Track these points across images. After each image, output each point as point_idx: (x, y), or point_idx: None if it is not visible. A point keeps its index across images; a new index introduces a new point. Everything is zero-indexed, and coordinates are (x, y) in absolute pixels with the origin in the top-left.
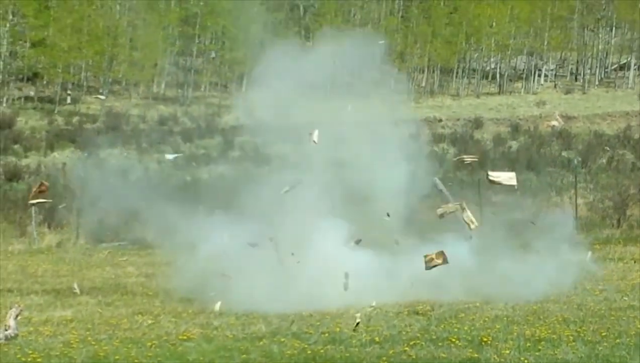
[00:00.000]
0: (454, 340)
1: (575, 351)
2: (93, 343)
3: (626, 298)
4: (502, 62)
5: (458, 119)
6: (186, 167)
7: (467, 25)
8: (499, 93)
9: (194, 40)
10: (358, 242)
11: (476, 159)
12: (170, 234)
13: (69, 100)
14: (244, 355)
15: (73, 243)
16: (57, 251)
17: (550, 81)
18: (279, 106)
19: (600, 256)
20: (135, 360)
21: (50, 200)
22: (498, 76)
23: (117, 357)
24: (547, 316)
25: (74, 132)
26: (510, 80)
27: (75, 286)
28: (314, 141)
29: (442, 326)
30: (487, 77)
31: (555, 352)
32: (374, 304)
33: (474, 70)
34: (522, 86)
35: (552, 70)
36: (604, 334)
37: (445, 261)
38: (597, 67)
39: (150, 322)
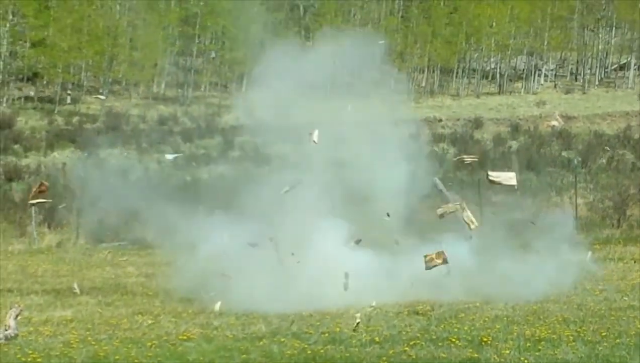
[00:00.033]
0: (454, 340)
1: (575, 351)
2: (93, 343)
3: (626, 298)
4: (502, 62)
5: (458, 119)
6: (186, 167)
7: (467, 25)
8: (499, 93)
9: (194, 40)
10: (358, 242)
11: (476, 159)
12: (170, 234)
13: (68, 100)
14: (244, 355)
15: (73, 243)
16: (57, 251)
17: (550, 81)
18: (279, 106)
19: (600, 256)
20: (135, 360)
21: (50, 200)
22: (498, 76)
23: (117, 357)
24: (547, 317)
25: (74, 132)
26: (510, 80)
27: (75, 286)
28: (314, 141)
29: (442, 326)
30: (487, 77)
31: (555, 352)
32: (374, 304)
33: (474, 70)
34: (522, 86)
35: (552, 70)
36: (604, 334)
37: (445, 261)
38: (597, 67)
39: (150, 322)
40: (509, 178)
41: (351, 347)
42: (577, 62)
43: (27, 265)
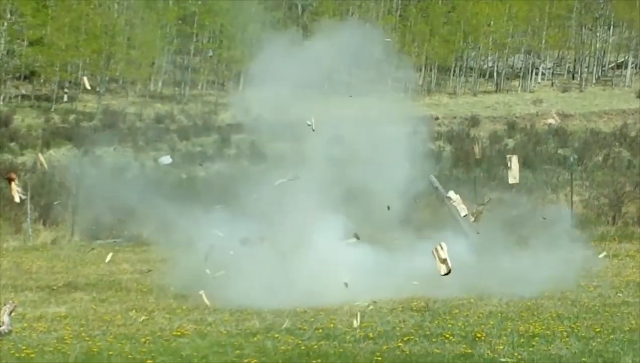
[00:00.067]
0: (447, 335)
1: (569, 347)
2: (87, 339)
3: (620, 295)
4: (499, 61)
5: (455, 117)
6: (182, 165)
7: (464, 24)
8: (496, 91)
9: (191, 38)
10: (356, 237)
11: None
12: (165, 231)
13: (65, 98)
14: (238, 351)
15: (68, 240)
16: (52, 248)
17: (547, 80)
18: (275, 104)
19: (595, 253)
20: (129, 356)
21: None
22: (495, 74)
23: (110, 353)
24: (541, 313)
25: (71, 130)
26: (508, 78)
27: None
28: (312, 128)
29: (436, 322)
30: (484, 76)
31: (549, 348)
32: (373, 301)
33: (471, 68)
34: (519, 84)
35: (549, 68)
36: (597, 330)
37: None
38: (594, 65)
39: (144, 318)
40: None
41: (345, 343)
42: (575, 60)
43: (21, 261)
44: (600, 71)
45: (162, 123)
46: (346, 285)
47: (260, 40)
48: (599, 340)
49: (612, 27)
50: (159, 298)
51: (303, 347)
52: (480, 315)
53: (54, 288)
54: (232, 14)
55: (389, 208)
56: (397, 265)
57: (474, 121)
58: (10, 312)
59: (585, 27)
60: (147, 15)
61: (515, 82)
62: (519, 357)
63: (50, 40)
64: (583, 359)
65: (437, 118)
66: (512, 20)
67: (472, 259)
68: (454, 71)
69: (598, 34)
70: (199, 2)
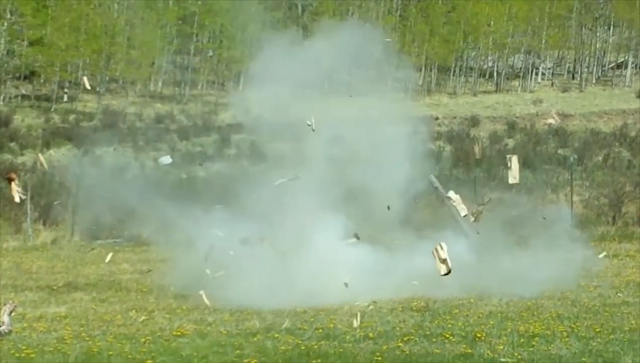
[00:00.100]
0: (447, 335)
1: (569, 347)
2: (87, 339)
3: (620, 295)
4: (499, 61)
5: (455, 117)
6: (182, 165)
7: (464, 24)
8: (496, 91)
9: (191, 38)
10: (356, 237)
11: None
12: (165, 231)
13: (65, 98)
14: (238, 351)
15: (68, 240)
16: (52, 248)
17: (547, 80)
18: (275, 104)
19: (595, 253)
20: (129, 356)
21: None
22: (495, 74)
23: (110, 353)
24: (541, 312)
25: (71, 130)
26: (508, 78)
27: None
28: (312, 128)
29: (436, 322)
30: (484, 76)
31: (549, 348)
32: (373, 301)
33: (471, 68)
34: (519, 84)
35: (549, 68)
36: (597, 330)
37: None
38: (594, 65)
39: (144, 318)
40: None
41: (345, 343)
42: (575, 60)
43: (21, 261)
44: (600, 71)
45: (162, 123)
46: (346, 285)
47: (260, 40)
48: (599, 340)
49: (612, 27)
50: (159, 298)
51: (303, 347)
52: (480, 315)
53: (54, 288)
54: (232, 14)
55: (389, 208)
56: (397, 265)
57: (474, 121)
58: (10, 312)
59: (585, 27)
60: (147, 15)
61: (515, 82)
62: (519, 357)
63: (50, 40)
64: (583, 359)
65: (437, 118)
66: (512, 20)
67: (472, 259)
68: (454, 71)
69: (598, 34)
70: (199, 2)
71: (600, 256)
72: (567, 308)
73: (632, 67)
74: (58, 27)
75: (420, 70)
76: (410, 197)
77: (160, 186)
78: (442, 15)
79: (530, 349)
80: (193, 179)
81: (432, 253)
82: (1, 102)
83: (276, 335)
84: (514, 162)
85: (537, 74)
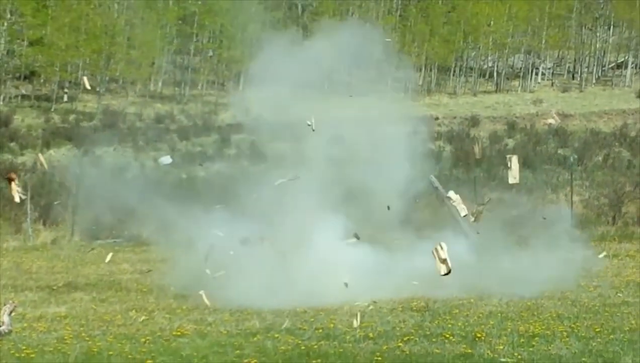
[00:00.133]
0: (447, 335)
1: (569, 347)
2: (87, 339)
3: (620, 295)
4: (499, 61)
5: (455, 117)
6: (182, 165)
7: (464, 24)
8: (496, 91)
9: (191, 39)
10: (356, 237)
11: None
12: (165, 231)
13: (65, 98)
14: (238, 351)
15: (68, 240)
16: (52, 248)
17: (547, 80)
18: (276, 103)
19: (595, 253)
20: (129, 356)
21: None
22: (495, 74)
23: (110, 353)
24: (541, 313)
25: (71, 130)
26: (508, 78)
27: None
28: (312, 128)
29: (436, 322)
30: (484, 76)
31: (549, 348)
32: (373, 301)
33: (471, 68)
34: (519, 85)
35: (549, 68)
36: (597, 330)
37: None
38: (594, 65)
39: (144, 318)
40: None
41: (345, 343)
42: (575, 60)
43: (21, 261)
44: (600, 71)
45: (162, 123)
46: (346, 285)
47: (260, 41)
48: (599, 340)
49: (612, 27)
50: (159, 298)
51: (303, 347)
52: (480, 315)
53: (54, 288)
54: (232, 14)
55: (389, 208)
56: (397, 265)
57: (474, 121)
58: (10, 312)
59: (585, 27)
60: (147, 16)
61: (515, 82)
62: (519, 357)
63: (50, 41)
64: (583, 359)
65: (437, 118)
66: (512, 20)
67: (472, 259)
68: (454, 71)
69: (598, 34)
70: (199, 2)
71: (600, 256)
72: (567, 308)
73: (632, 67)
74: (58, 27)
75: (420, 70)
76: (410, 197)
77: (160, 186)
78: (442, 15)
79: (530, 349)
80: (193, 179)
81: (432, 253)
82: (1, 102)
83: (276, 335)
84: (514, 162)
85: (537, 74)
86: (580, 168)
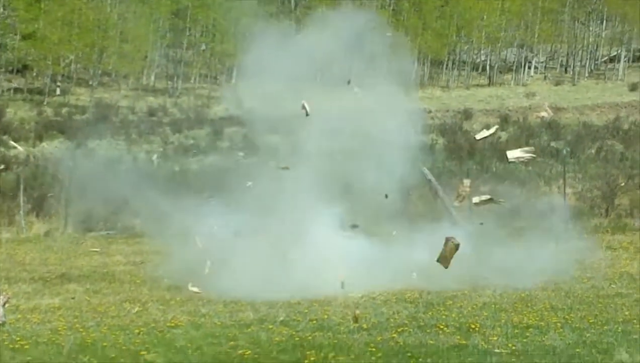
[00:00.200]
0: (442, 326)
1: (562, 337)
2: (81, 330)
3: (614, 286)
4: (492, 54)
5: (447, 110)
6: (175, 157)
7: (457, 18)
8: (488, 85)
9: (184, 32)
10: (354, 227)
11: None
12: (158, 223)
13: (58, 91)
14: (232, 342)
15: (61, 232)
16: (45, 240)
17: (540, 73)
18: (268, 96)
19: (589, 245)
20: (123, 347)
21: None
22: (488, 67)
23: (104, 344)
24: (535, 304)
25: (63, 123)
26: (500, 72)
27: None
28: (307, 113)
29: (430, 313)
30: (477, 69)
31: (543, 339)
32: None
33: (464, 62)
34: (512, 78)
35: (542, 62)
36: (591, 321)
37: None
38: (587, 59)
39: (138, 309)
40: (524, 151)
41: (339, 334)
42: (567, 54)
43: (15, 253)
44: (592, 64)
45: (154, 116)
46: (342, 285)
47: (252, 34)
48: (592, 331)
49: (604, 21)
50: (152, 289)
51: (297, 338)
52: (475, 306)
53: (48, 279)
54: (224, 7)
55: (387, 196)
56: (391, 256)
57: (467, 114)
58: (4, 304)
59: (578, 21)
60: (140, 9)
61: (508, 76)
62: (513, 347)
63: (43, 34)
64: (577, 350)
65: (429, 111)
66: (504, 15)
67: (466, 250)
68: (447, 65)
69: (591, 28)
70: None
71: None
72: (561, 300)
73: (625, 61)
74: (50, 21)
75: (413, 64)
76: (404, 189)
77: (153, 178)
78: (435, 9)
79: (524, 340)
80: (186, 172)
81: (444, 243)
82: None
83: (270, 326)
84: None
85: (529, 67)
86: (573, 161)
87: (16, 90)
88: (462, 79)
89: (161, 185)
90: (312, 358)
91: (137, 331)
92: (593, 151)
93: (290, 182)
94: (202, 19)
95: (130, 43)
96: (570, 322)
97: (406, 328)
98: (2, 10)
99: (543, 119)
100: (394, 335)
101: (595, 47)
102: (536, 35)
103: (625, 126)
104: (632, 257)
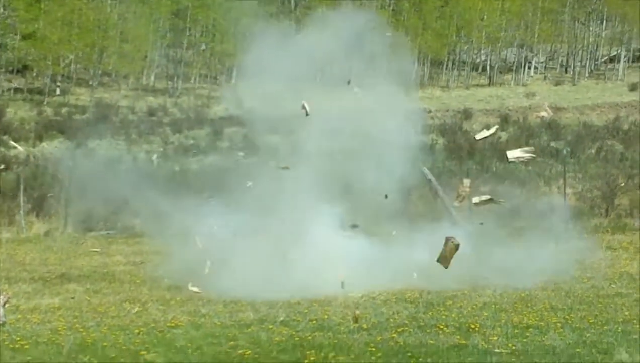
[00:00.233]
0: (442, 326)
1: (563, 337)
2: (81, 330)
3: (614, 286)
4: (492, 54)
5: (447, 110)
6: (175, 157)
7: (457, 18)
8: (488, 85)
9: (184, 32)
10: (354, 227)
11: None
12: (158, 223)
13: (58, 91)
14: (232, 342)
15: (61, 232)
16: (45, 240)
17: (540, 73)
18: (268, 96)
19: (589, 245)
20: (123, 347)
21: None
22: (488, 67)
23: (104, 344)
24: (535, 304)
25: (63, 123)
26: (500, 72)
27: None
28: (307, 112)
29: (430, 313)
30: (477, 69)
31: (543, 339)
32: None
33: (464, 62)
34: (512, 78)
35: (542, 62)
36: (591, 321)
37: (445, 266)
38: (587, 59)
39: (138, 309)
40: (524, 151)
41: (339, 334)
42: (567, 54)
43: (15, 253)
44: (592, 64)
45: (154, 116)
46: (342, 285)
47: (252, 34)
48: (592, 331)
49: (604, 21)
50: (152, 289)
51: (297, 338)
52: (475, 306)
53: (48, 279)
54: (224, 8)
55: (387, 196)
56: (391, 256)
57: (467, 114)
58: (4, 304)
59: (578, 21)
60: (140, 9)
61: (508, 76)
62: (513, 347)
63: (43, 34)
64: (577, 350)
65: (429, 111)
66: (505, 14)
67: (466, 250)
68: (447, 65)
69: (591, 28)
70: None
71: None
72: (561, 300)
73: (625, 61)
74: (51, 21)
75: (413, 64)
76: (404, 189)
77: (153, 178)
78: (435, 9)
79: (524, 340)
80: (186, 172)
81: (444, 243)
82: None
83: (270, 326)
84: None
85: (529, 67)
86: (573, 161)
87: (16, 90)
88: (462, 79)
89: (161, 185)
90: (312, 358)
91: (137, 331)
92: (593, 151)
93: (290, 182)
94: (202, 19)
95: (130, 43)
96: (570, 322)
97: (406, 328)
98: (2, 10)
99: (543, 119)
100: (394, 335)
101: (595, 47)
102: (536, 35)
103: (625, 126)
104: (632, 257)
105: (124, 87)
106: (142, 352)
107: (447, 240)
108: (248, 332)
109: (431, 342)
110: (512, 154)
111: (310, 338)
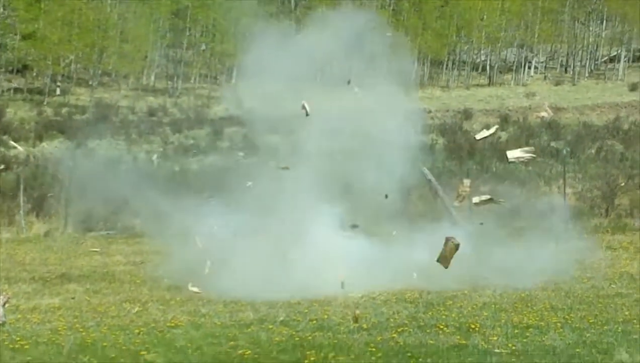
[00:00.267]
0: (442, 326)
1: (562, 337)
2: (81, 330)
3: (614, 286)
4: (492, 54)
5: (447, 110)
6: (175, 157)
7: (457, 18)
8: (488, 85)
9: (184, 32)
10: (354, 227)
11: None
12: (158, 223)
13: (58, 91)
14: (232, 342)
15: (61, 232)
16: (45, 240)
17: (540, 73)
18: (268, 96)
19: (589, 245)
20: (123, 347)
21: None
22: (488, 67)
23: (104, 344)
24: (535, 304)
25: (63, 123)
26: (500, 72)
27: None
28: (307, 112)
29: (430, 313)
30: (477, 69)
31: (543, 339)
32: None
33: (464, 62)
34: (512, 78)
35: (542, 62)
36: (591, 321)
37: (445, 266)
38: (587, 59)
39: (138, 309)
40: (524, 151)
41: (339, 334)
42: (567, 54)
43: (15, 253)
44: (592, 64)
45: (154, 116)
46: (342, 285)
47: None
48: (592, 331)
49: (604, 21)
50: (152, 289)
51: (297, 338)
52: (474, 306)
53: (48, 279)
54: (224, 8)
55: (387, 196)
56: (391, 256)
57: (467, 114)
58: (4, 304)
59: (578, 21)
60: (140, 9)
61: (508, 76)
62: (513, 347)
63: (43, 34)
64: (577, 350)
65: (429, 111)
66: (505, 15)
67: (466, 250)
68: (447, 65)
69: (591, 28)
70: None
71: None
72: (561, 300)
73: (625, 61)
74: (51, 21)
75: (413, 64)
76: (404, 189)
77: (153, 178)
78: (435, 9)
79: (524, 340)
80: (186, 172)
81: (444, 243)
82: None
83: (270, 326)
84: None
85: (529, 67)
86: (573, 161)
87: (16, 90)
88: (462, 79)
89: (161, 185)
90: (312, 358)
91: (137, 331)
92: (593, 151)
93: (290, 182)
94: (202, 19)
95: (130, 43)
96: (570, 322)
97: (406, 328)
98: (2, 10)
99: (543, 119)
100: (394, 335)
101: (595, 47)
102: (536, 35)
103: (625, 126)
104: (632, 257)
105: (124, 87)
106: (142, 352)
107: (447, 240)
108: (248, 332)
109: (431, 342)
110: (512, 154)
111: (310, 338)
